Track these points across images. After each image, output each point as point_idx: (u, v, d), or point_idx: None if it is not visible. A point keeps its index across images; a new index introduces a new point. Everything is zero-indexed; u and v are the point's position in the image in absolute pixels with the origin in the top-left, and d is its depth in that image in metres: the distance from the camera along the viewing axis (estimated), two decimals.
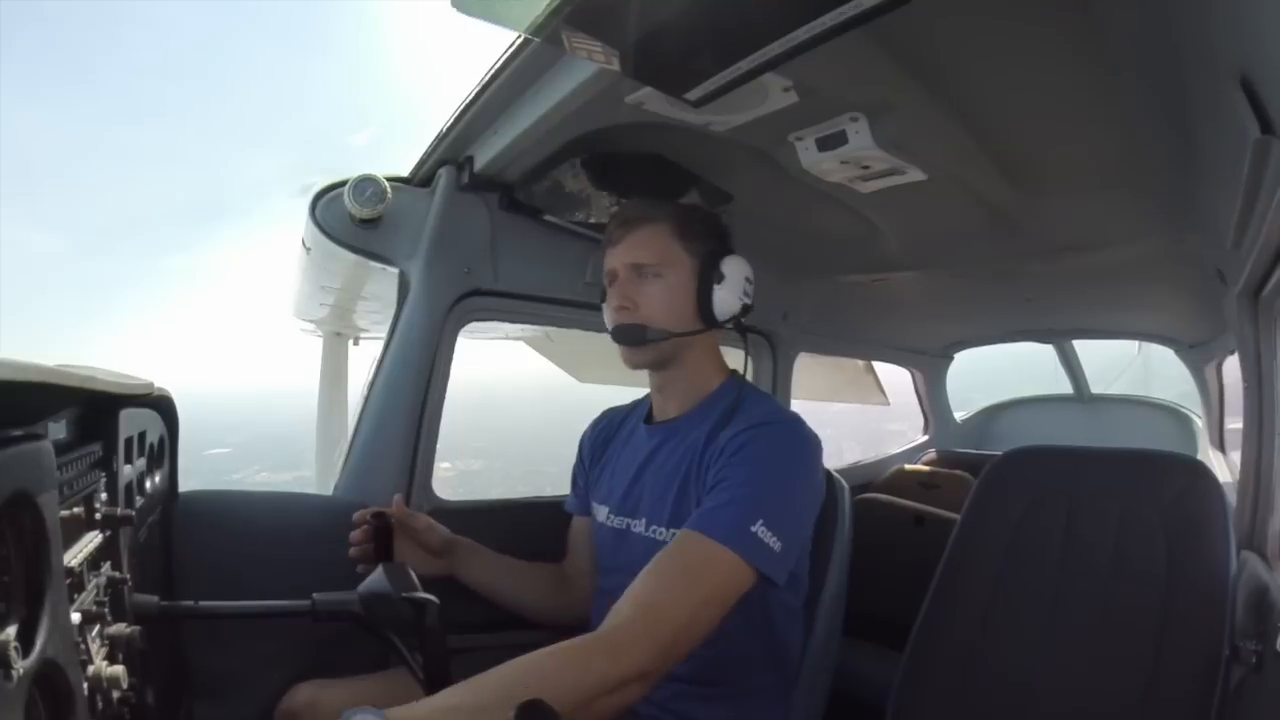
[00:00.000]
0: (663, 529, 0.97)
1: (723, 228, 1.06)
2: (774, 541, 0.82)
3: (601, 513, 1.08)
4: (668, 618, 0.74)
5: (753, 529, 0.81)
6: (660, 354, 1.01)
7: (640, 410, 1.13)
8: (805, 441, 0.93)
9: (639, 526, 1.01)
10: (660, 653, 0.73)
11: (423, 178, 1.24)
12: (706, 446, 0.95)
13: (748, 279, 1.02)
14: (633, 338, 1.00)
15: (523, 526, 1.30)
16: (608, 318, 1.04)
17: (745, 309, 1.02)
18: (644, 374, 1.07)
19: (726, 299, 1.00)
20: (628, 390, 1.31)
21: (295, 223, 1.36)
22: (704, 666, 0.91)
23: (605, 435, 1.16)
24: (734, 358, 1.11)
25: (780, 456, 0.90)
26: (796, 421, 0.95)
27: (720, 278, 0.99)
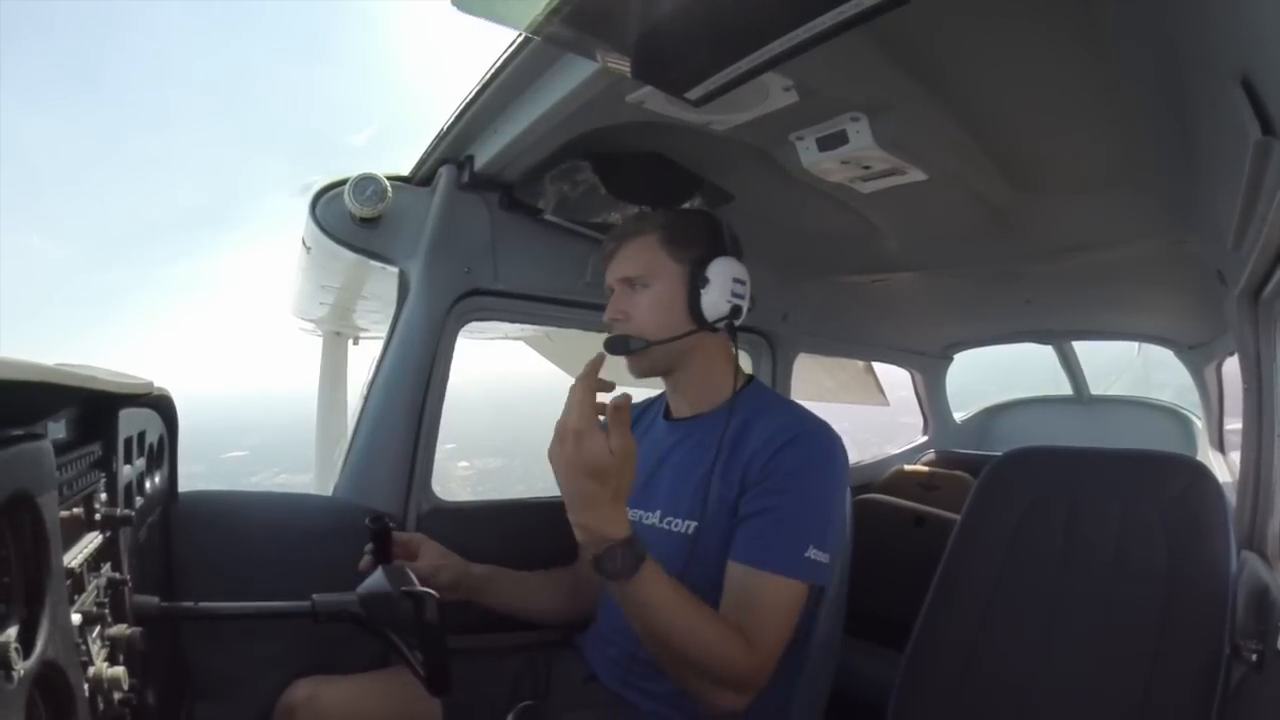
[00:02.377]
0: (679, 520, 0.99)
1: (716, 230, 1.04)
2: (823, 556, 0.91)
3: None
4: (768, 650, 0.88)
5: (806, 554, 0.89)
6: (655, 362, 1.03)
7: (658, 406, 1.15)
8: (836, 449, 0.97)
9: (652, 519, 1.02)
10: (760, 672, 0.87)
11: (423, 177, 1.24)
12: (734, 449, 0.97)
13: (737, 279, 1.01)
14: (617, 348, 1.01)
15: (524, 527, 1.30)
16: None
17: (735, 310, 1.01)
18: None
19: (713, 302, 1.00)
20: (633, 389, 1.31)
21: (296, 223, 1.36)
22: None
23: None
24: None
25: (818, 472, 0.94)
26: (825, 429, 0.97)
27: (704, 282, 1.00)
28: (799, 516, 0.91)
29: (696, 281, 1.00)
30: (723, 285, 1.00)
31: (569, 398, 0.81)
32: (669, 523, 1.00)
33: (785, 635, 0.90)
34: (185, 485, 1.00)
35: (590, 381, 0.80)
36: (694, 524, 0.97)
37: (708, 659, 0.84)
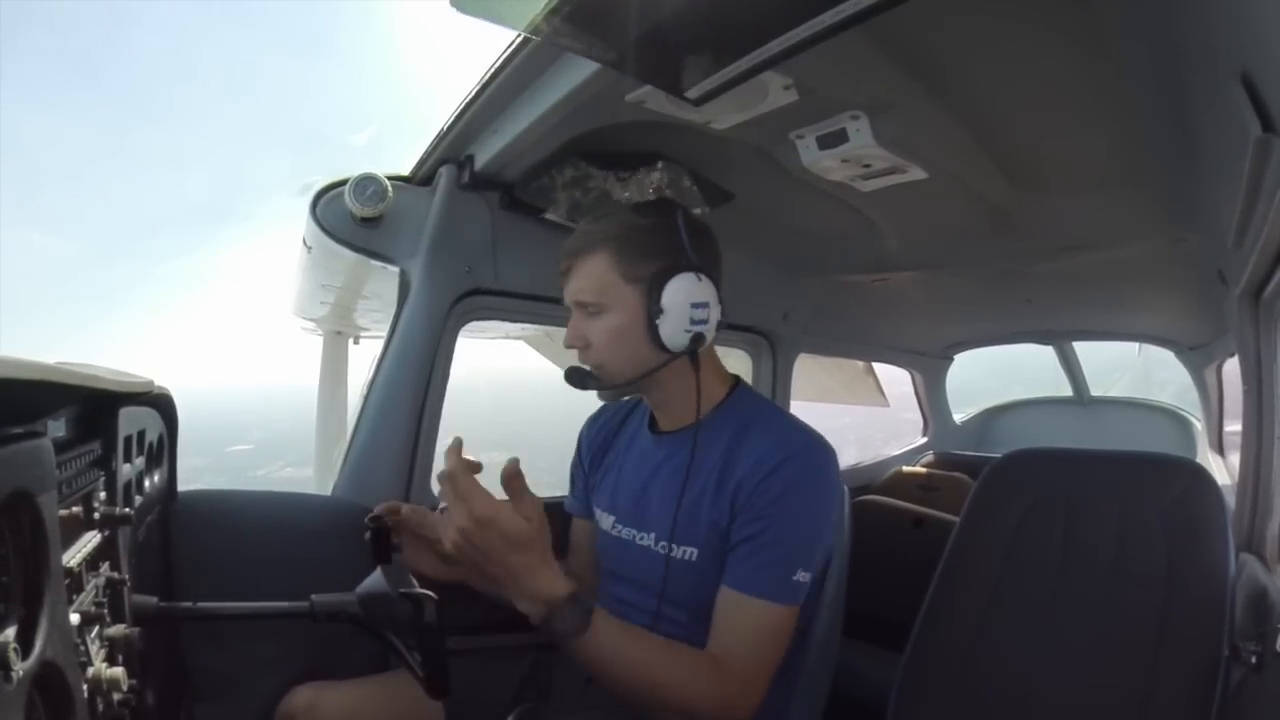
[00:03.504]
0: (675, 546, 0.95)
1: (673, 238, 0.93)
2: (809, 576, 0.90)
3: (606, 521, 1.05)
4: (751, 676, 0.87)
5: (794, 578, 0.88)
6: (624, 391, 0.99)
7: (642, 412, 1.09)
8: (827, 464, 0.93)
9: (647, 540, 0.98)
10: (744, 700, 0.86)
11: (423, 176, 1.24)
12: (723, 471, 0.93)
13: (696, 304, 0.91)
14: (578, 383, 0.98)
15: None
16: None
17: (697, 338, 0.92)
18: None
19: (671, 332, 0.91)
20: None
21: (297, 219, 1.36)
22: None
23: (605, 435, 1.13)
24: (737, 358, 1.10)
25: (808, 492, 0.90)
26: (814, 445, 0.93)
27: (659, 312, 0.91)
28: (787, 541, 0.88)
29: (652, 309, 0.91)
30: (680, 313, 0.91)
31: (449, 492, 0.76)
32: (662, 546, 0.97)
33: (773, 660, 0.88)
34: (188, 478, 1.00)
35: (462, 469, 0.77)
36: (694, 550, 0.93)
37: (683, 698, 0.83)
